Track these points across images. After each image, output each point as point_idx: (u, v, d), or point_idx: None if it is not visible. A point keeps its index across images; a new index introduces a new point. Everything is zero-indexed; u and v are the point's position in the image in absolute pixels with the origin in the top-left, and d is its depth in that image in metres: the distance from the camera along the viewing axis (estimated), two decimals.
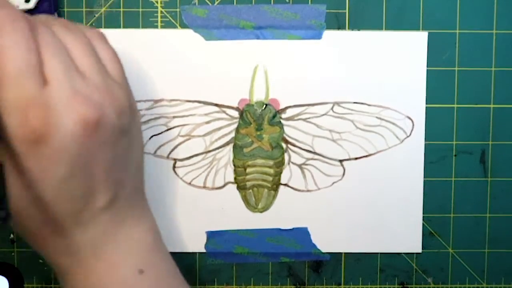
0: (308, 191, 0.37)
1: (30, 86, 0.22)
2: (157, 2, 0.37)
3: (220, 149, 0.37)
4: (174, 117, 0.37)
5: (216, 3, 0.37)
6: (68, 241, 0.25)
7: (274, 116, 0.37)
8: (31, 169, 0.23)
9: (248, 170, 0.37)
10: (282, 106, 0.37)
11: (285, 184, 0.37)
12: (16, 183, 0.24)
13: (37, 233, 0.25)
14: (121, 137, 0.25)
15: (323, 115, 0.37)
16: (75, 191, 0.24)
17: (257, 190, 0.37)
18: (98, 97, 0.24)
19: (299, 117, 0.37)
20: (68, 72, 0.23)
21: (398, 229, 0.38)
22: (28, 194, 0.24)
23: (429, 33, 0.37)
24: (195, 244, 0.38)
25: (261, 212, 0.38)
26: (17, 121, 0.22)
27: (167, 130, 0.37)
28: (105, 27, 0.37)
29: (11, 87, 0.22)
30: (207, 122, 0.37)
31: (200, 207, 0.37)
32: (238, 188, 0.38)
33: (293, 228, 0.38)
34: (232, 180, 0.37)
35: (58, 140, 0.23)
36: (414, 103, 0.37)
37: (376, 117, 0.37)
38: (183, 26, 0.37)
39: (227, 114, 0.37)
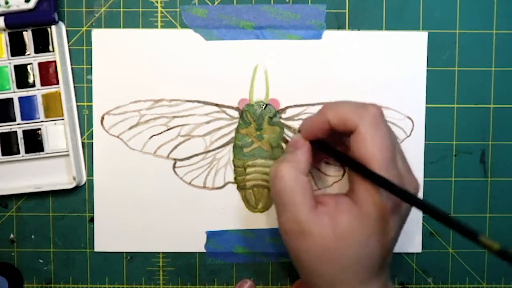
0: None
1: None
2: (157, 2, 0.37)
3: (220, 149, 0.37)
4: (174, 117, 0.37)
5: (216, 3, 0.37)
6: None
7: (274, 116, 0.37)
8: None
9: (248, 170, 0.37)
10: (282, 106, 0.37)
11: None
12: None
13: (345, 281, 0.29)
14: None
15: None
16: (393, 247, 0.30)
17: (257, 190, 0.37)
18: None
19: (299, 117, 0.37)
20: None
21: None
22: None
23: (429, 33, 0.37)
24: (195, 244, 0.38)
25: (261, 212, 0.38)
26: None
27: (167, 130, 0.37)
28: (105, 27, 0.37)
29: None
30: (207, 122, 0.37)
31: (200, 207, 0.37)
32: (238, 188, 0.38)
33: None
34: (232, 180, 0.37)
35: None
36: (414, 103, 0.37)
37: None
38: (183, 26, 0.37)
39: (227, 114, 0.37)
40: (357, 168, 0.28)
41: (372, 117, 0.28)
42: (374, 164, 0.27)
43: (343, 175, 0.37)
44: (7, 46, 0.36)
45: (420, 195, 0.37)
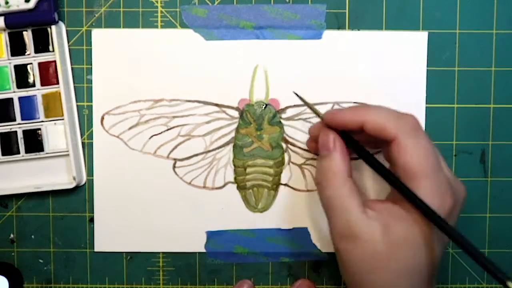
0: (308, 191, 0.37)
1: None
2: (157, 2, 0.37)
3: (220, 149, 0.37)
4: (174, 117, 0.37)
5: (216, 3, 0.37)
6: None
7: (274, 116, 0.37)
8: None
9: (248, 170, 0.37)
10: (282, 106, 0.37)
11: (285, 184, 0.37)
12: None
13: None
14: None
15: None
16: (441, 260, 0.29)
17: (257, 190, 0.37)
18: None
19: (299, 117, 0.37)
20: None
21: None
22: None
23: (429, 33, 0.37)
24: (195, 244, 0.38)
25: (261, 212, 0.38)
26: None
27: (167, 130, 0.37)
28: (105, 27, 0.37)
29: None
30: (207, 122, 0.37)
31: (200, 207, 0.37)
32: (238, 188, 0.38)
33: (293, 228, 0.38)
34: (232, 180, 0.37)
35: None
36: (414, 103, 0.37)
37: None
38: (183, 26, 0.37)
39: (227, 114, 0.37)
40: (395, 183, 0.28)
41: (412, 127, 0.28)
42: (420, 172, 0.27)
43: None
44: (7, 46, 0.36)
45: None
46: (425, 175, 0.27)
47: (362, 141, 0.31)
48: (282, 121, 0.37)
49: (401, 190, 0.28)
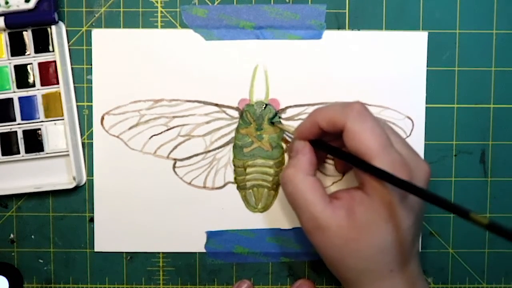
0: None
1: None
2: (157, 2, 0.37)
3: (220, 149, 0.37)
4: (174, 117, 0.37)
5: (216, 3, 0.37)
6: (389, 283, 0.30)
7: (274, 116, 0.37)
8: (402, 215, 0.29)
9: (248, 170, 0.37)
10: (282, 106, 0.37)
11: None
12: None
13: (375, 271, 0.30)
14: None
15: None
16: (414, 235, 0.30)
17: (257, 190, 0.37)
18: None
19: (299, 117, 0.37)
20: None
21: None
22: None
23: (429, 33, 0.37)
24: (195, 244, 0.38)
25: (261, 212, 0.38)
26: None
27: (167, 130, 0.37)
28: (105, 27, 0.37)
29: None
30: (207, 122, 0.37)
31: (200, 207, 0.37)
32: (238, 188, 0.38)
33: (293, 228, 0.38)
34: (232, 180, 0.37)
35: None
36: (414, 103, 0.37)
37: None
38: (183, 26, 0.37)
39: (227, 114, 0.37)
40: (353, 161, 0.29)
41: (357, 112, 0.29)
42: (369, 153, 0.28)
43: (343, 175, 0.37)
44: (7, 46, 0.36)
45: None
46: (374, 156, 0.28)
47: (341, 146, 0.31)
48: (282, 121, 0.37)
49: (361, 167, 0.29)
